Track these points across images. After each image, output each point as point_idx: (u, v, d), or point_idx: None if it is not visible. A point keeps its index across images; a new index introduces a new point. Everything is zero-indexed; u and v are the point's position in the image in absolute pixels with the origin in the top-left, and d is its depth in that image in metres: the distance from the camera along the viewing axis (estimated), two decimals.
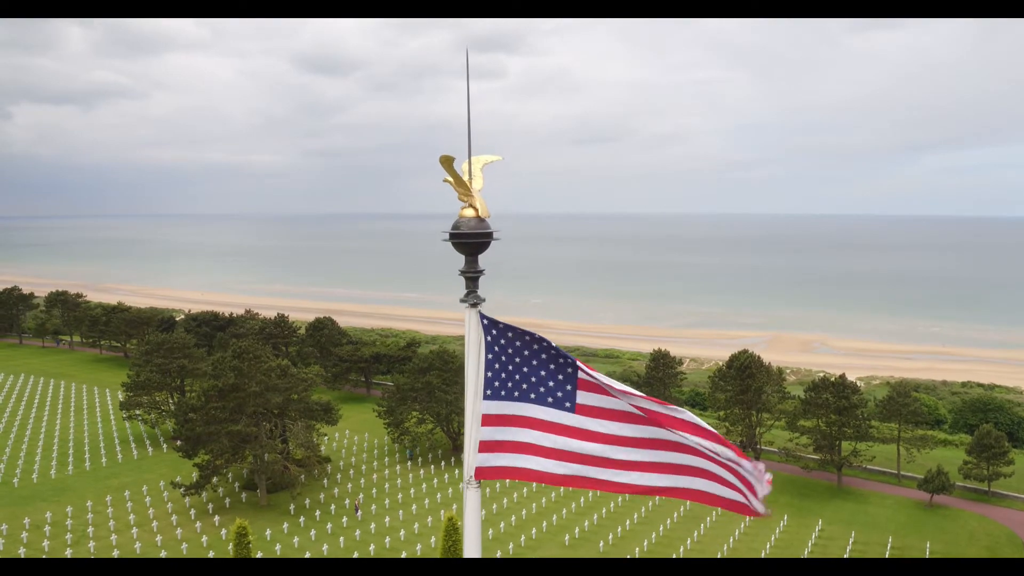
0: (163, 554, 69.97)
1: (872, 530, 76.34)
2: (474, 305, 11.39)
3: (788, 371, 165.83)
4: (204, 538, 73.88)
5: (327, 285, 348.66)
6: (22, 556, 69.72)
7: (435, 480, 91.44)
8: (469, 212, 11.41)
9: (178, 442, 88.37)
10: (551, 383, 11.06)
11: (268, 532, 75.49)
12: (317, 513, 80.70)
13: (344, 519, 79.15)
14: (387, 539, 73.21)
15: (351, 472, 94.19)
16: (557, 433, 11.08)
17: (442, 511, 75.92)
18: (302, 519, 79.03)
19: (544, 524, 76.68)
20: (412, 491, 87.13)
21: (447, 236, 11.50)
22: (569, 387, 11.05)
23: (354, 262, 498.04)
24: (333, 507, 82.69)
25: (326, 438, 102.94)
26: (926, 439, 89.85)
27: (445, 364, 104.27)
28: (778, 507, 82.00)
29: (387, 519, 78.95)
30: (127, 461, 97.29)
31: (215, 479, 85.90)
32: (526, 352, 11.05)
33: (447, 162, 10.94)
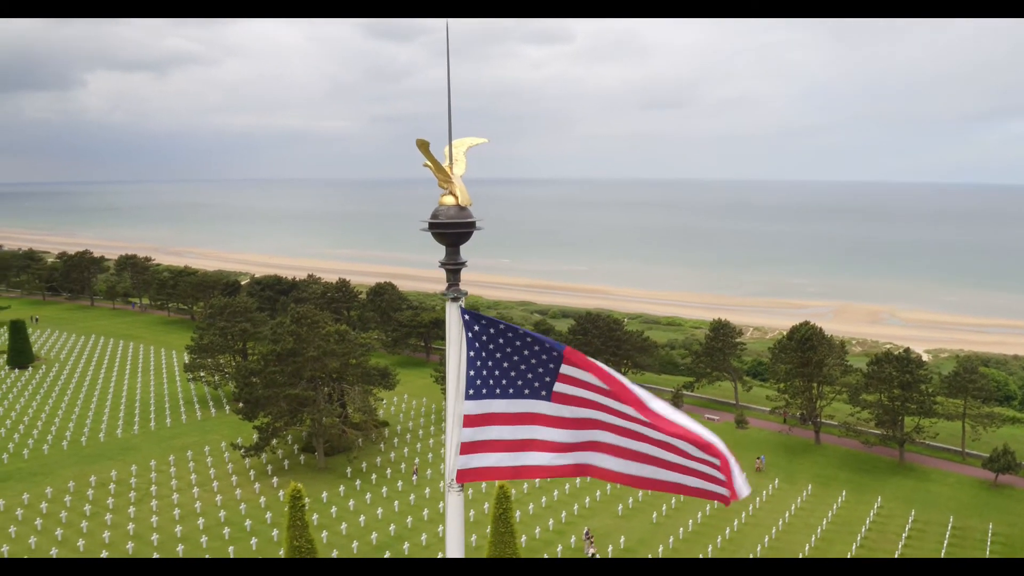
0: (222, 515, 71.52)
1: (933, 509, 74.57)
2: (455, 299, 10.82)
3: (854, 342, 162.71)
4: (262, 499, 75.34)
5: (391, 249, 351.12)
6: (87, 513, 71.91)
7: None
8: (449, 200, 10.79)
9: (239, 404, 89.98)
10: (530, 375, 10.59)
11: (324, 495, 76.69)
12: (373, 477, 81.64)
13: (400, 483, 79.95)
14: (441, 504, 73.76)
15: (408, 437, 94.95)
16: (537, 424, 10.68)
17: (484, 484, 76.07)
18: (358, 482, 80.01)
19: (587, 500, 76.45)
20: None
21: (425, 226, 10.95)
22: (548, 379, 10.60)
23: (417, 227, 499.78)
24: (389, 471, 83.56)
25: (383, 402, 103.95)
26: (993, 416, 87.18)
27: None
28: (837, 482, 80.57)
29: (442, 484, 79.53)
30: (190, 422, 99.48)
31: (274, 441, 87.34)
32: (508, 348, 10.58)
33: (423, 146, 10.40)
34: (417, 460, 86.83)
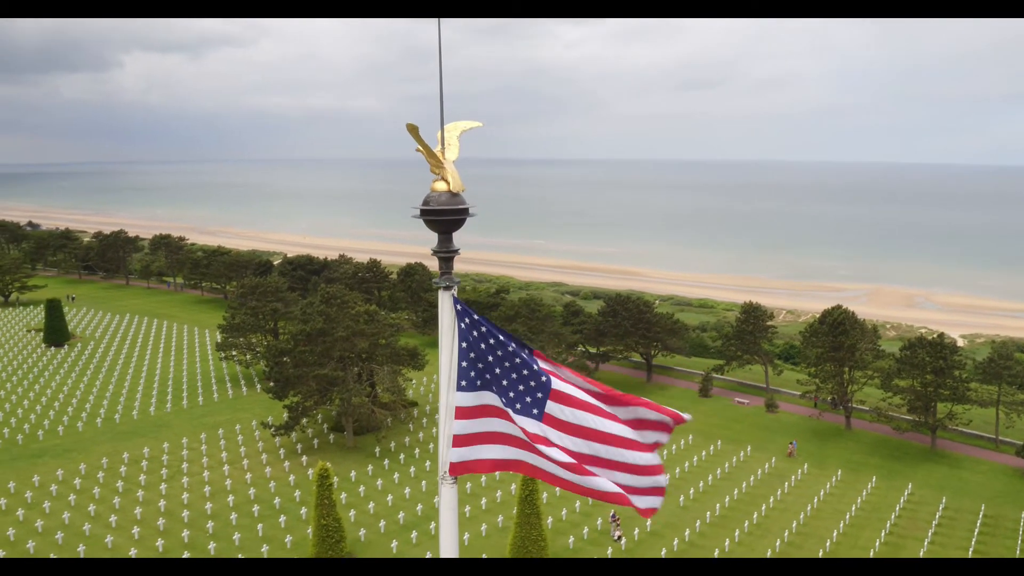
0: (252, 492, 72.24)
1: (964, 496, 73.63)
2: (447, 288, 10.57)
3: (888, 326, 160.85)
4: (292, 477, 76.02)
5: (422, 229, 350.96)
6: (119, 489, 72.98)
7: None
8: (440, 185, 10.51)
9: (270, 384, 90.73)
10: (521, 387, 10.49)
11: (353, 474, 77.26)
12: (402, 456, 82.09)
13: (427, 463, 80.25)
14: (468, 485, 74.02)
15: (437, 417, 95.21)
16: (516, 426, 10.62)
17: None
18: (387, 462, 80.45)
19: None
20: None
21: (417, 212, 10.71)
22: (540, 395, 10.52)
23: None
24: (418, 451, 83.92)
25: (412, 382, 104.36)
26: None
27: (532, 312, 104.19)
28: (867, 468, 79.79)
29: None
30: (222, 400, 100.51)
31: (304, 420, 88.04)
32: (491, 356, 10.42)
33: (413, 130, 10.19)
34: None
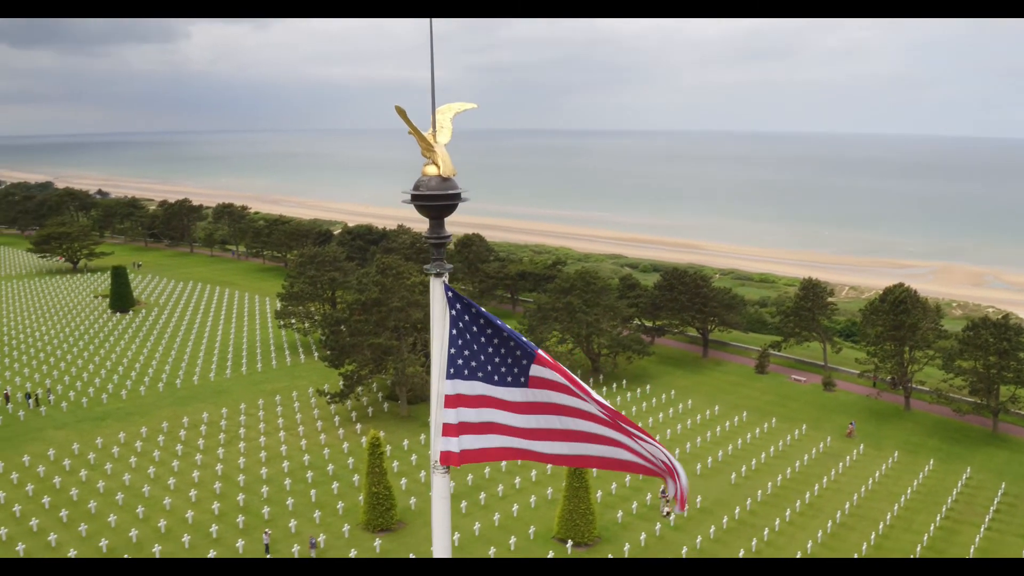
0: (306, 459, 73.43)
1: None
2: (438, 275, 10.31)
3: (954, 305, 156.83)
4: (345, 444, 77.08)
5: (481, 200, 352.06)
6: (179, 452, 74.74)
7: None
8: (431, 170, 10.18)
9: (326, 352, 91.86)
10: (503, 368, 10.24)
11: (406, 442, 78.02)
12: None
13: None
14: None
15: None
16: (515, 411, 10.37)
17: None
18: None
19: (677, 451, 75.81)
20: None
21: (407, 198, 10.46)
22: (525, 361, 10.24)
23: (513, 178, 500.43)
24: None
25: None
26: None
27: (587, 285, 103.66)
28: (925, 450, 78.10)
29: None
30: (280, 367, 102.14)
31: (359, 389, 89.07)
32: (483, 337, 10.18)
33: (402, 112, 9.94)
34: None
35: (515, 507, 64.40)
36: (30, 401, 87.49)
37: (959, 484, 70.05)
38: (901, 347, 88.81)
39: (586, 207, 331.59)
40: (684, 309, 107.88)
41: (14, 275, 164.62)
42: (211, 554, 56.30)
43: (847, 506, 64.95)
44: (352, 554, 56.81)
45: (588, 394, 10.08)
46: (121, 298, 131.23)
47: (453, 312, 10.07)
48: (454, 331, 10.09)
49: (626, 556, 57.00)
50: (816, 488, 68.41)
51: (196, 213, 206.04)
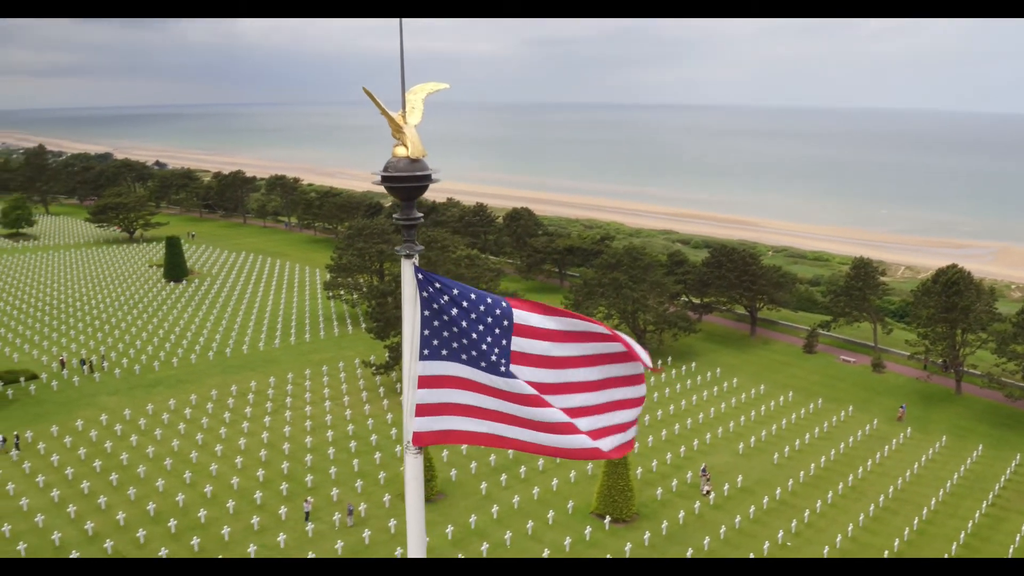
0: (350, 428, 74.36)
1: None
2: (408, 257, 10.24)
3: (1013, 287, 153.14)
4: (389, 415, 77.88)
5: (533, 174, 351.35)
6: (226, 420, 76.17)
7: None
8: (400, 151, 10.14)
9: (373, 323, 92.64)
10: (484, 345, 10.15)
11: None
12: None
13: None
14: None
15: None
16: (490, 395, 10.30)
17: None
18: None
19: (708, 436, 75.26)
20: None
21: (378, 180, 10.39)
22: (504, 342, 10.15)
23: (566, 151, 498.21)
24: None
25: None
26: None
27: (634, 261, 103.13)
28: (975, 436, 76.56)
29: None
30: (328, 338, 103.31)
31: None
32: (459, 308, 10.10)
33: (370, 94, 9.89)
34: None
35: (555, 481, 64.60)
36: (85, 367, 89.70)
37: (1008, 471, 68.61)
38: (953, 330, 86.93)
39: (639, 182, 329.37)
40: (732, 287, 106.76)
41: (72, 244, 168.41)
42: (254, 520, 57.38)
43: (891, 490, 64.03)
44: (392, 523, 57.48)
45: (574, 337, 10.19)
46: (175, 268, 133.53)
47: (424, 294, 10.01)
48: (426, 312, 10.04)
49: (664, 534, 56.91)
50: (860, 471, 67.52)
51: (249, 184, 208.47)
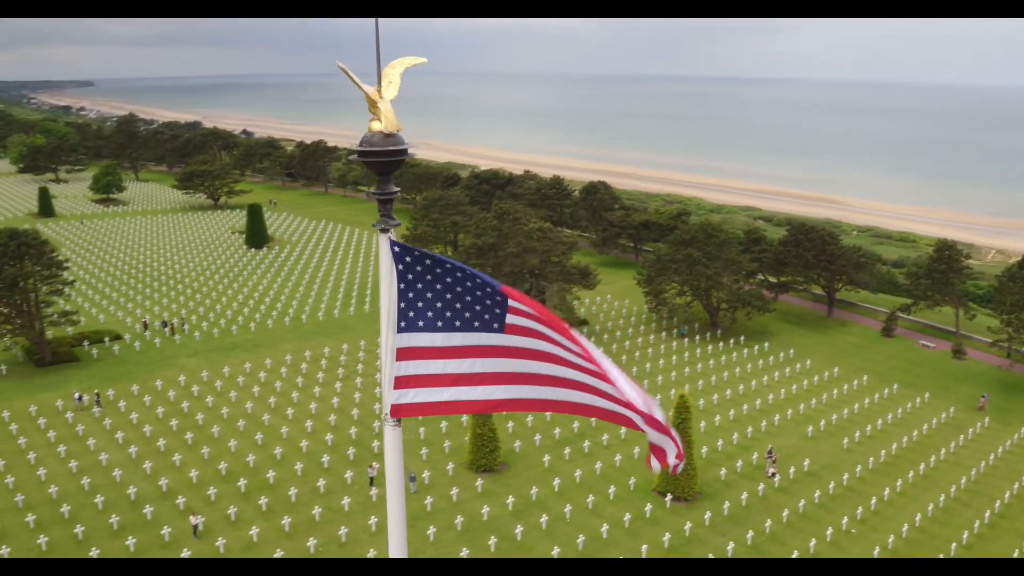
0: None
1: None
2: (384, 231, 10.31)
3: None
4: None
5: (612, 147, 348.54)
6: (299, 384, 77.92)
7: (686, 354, 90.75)
8: (376, 125, 10.21)
9: None
10: (478, 307, 10.15)
11: None
12: None
13: None
14: None
15: (605, 337, 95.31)
16: (486, 356, 10.32)
17: (673, 390, 75.08)
18: None
19: (776, 417, 74.07)
20: (661, 362, 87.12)
21: (354, 155, 10.48)
22: (499, 310, 10.13)
23: (650, 125, 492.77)
24: None
25: (585, 301, 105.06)
26: None
27: (708, 238, 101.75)
28: None
29: (645, 383, 79.56)
30: None
31: None
32: (444, 283, 10.10)
33: (345, 70, 9.93)
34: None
35: (618, 457, 64.57)
36: (166, 329, 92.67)
37: None
38: None
39: (723, 156, 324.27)
40: (809, 266, 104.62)
41: (159, 210, 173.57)
42: (320, 483, 58.73)
43: (963, 481, 62.26)
44: (454, 492, 58.20)
45: (571, 338, 10.03)
46: (256, 235, 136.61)
47: (400, 267, 10.09)
48: (402, 285, 10.12)
49: (725, 514, 56.47)
50: (933, 459, 65.80)
51: (331, 154, 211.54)
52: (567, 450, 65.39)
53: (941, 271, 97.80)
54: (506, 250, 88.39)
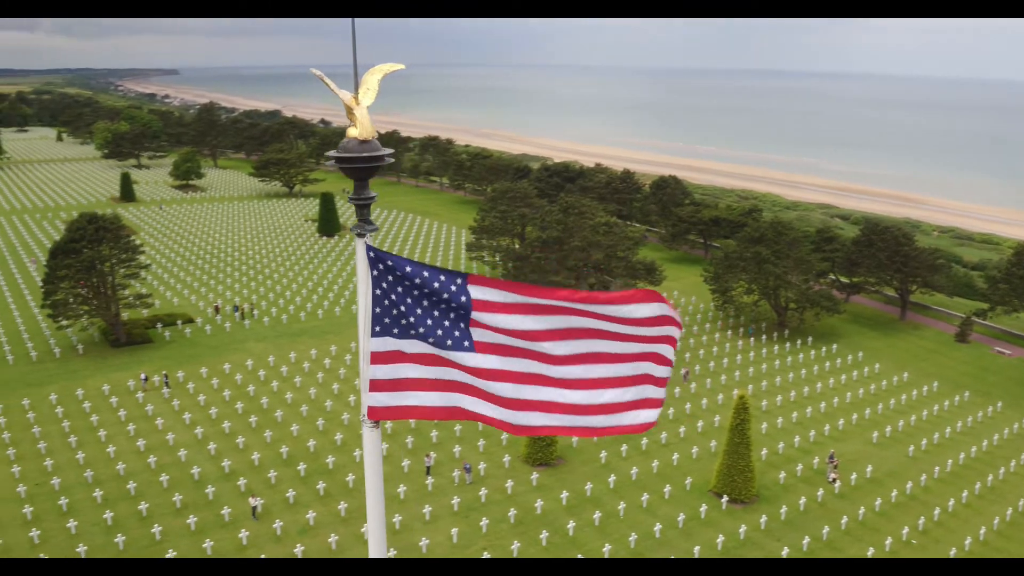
0: None
1: None
2: (361, 235, 10.41)
3: None
4: None
5: (690, 141, 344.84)
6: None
7: (751, 353, 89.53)
8: (352, 131, 10.35)
9: None
10: (447, 323, 10.20)
11: None
12: None
13: None
14: (687, 405, 73.58)
15: None
16: (453, 367, 10.40)
17: (735, 390, 74.03)
18: None
19: (841, 422, 72.54)
20: (725, 361, 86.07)
21: (332, 163, 10.62)
22: (463, 324, 10.16)
23: (727, 119, 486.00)
24: None
25: None
26: None
27: (778, 236, 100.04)
28: None
29: (693, 385, 79.12)
30: None
31: None
32: (415, 292, 10.15)
33: (321, 77, 10.07)
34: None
35: (675, 456, 64.07)
36: (237, 314, 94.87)
37: None
38: None
39: (800, 152, 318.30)
40: (882, 267, 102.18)
41: (236, 197, 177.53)
42: None
43: None
44: (509, 484, 58.45)
45: (547, 309, 10.17)
46: (328, 223, 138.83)
47: (375, 272, 10.20)
48: (377, 291, 10.23)
49: (782, 519, 55.66)
50: (1002, 471, 63.77)
51: (404, 144, 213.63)
52: (624, 447, 65.14)
53: (1021, 275, 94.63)
54: (571, 244, 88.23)
